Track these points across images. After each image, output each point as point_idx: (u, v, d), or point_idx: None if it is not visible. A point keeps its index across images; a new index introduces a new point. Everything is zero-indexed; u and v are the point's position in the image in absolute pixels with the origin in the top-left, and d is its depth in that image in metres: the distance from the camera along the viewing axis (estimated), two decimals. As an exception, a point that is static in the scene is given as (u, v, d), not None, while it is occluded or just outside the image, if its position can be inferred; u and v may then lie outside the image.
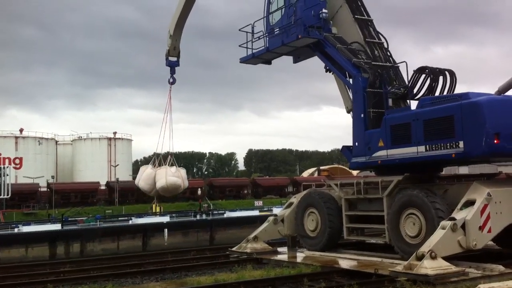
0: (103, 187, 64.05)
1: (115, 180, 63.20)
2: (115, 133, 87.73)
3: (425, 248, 11.14)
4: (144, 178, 18.95)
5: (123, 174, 76.73)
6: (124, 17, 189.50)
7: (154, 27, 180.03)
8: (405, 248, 12.72)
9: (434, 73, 14.14)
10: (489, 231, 11.77)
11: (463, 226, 11.47)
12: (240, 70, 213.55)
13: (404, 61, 15.19)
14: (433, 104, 13.09)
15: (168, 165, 20.37)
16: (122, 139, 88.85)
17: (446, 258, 11.17)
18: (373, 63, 15.32)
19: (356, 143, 15.20)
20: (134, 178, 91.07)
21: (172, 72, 20.61)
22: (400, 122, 13.70)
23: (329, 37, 16.14)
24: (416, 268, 10.73)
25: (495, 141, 11.81)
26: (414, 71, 14.53)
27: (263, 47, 17.92)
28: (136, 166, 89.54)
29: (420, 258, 10.93)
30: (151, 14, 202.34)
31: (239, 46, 18.47)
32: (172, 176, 18.81)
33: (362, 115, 14.97)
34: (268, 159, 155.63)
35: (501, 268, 11.28)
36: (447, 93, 14.08)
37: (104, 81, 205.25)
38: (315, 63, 17.60)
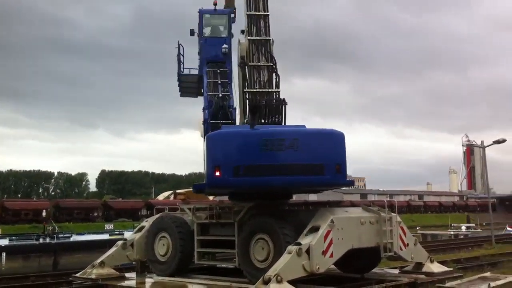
0: None
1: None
2: None
3: (271, 272, 11.39)
4: None
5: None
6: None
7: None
8: (253, 272, 12.92)
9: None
10: (331, 255, 12.39)
11: (308, 251, 11.93)
12: (99, 89, 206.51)
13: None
14: None
15: None
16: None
17: (291, 282, 11.52)
18: (246, 90, 15.32)
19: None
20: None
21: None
22: None
23: (209, 72, 16.34)
24: (263, 292, 10.96)
25: (217, 174, 12.61)
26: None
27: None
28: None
29: (267, 282, 11.16)
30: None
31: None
32: None
33: None
34: (122, 181, 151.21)
35: (340, 291, 11.91)
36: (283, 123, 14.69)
37: None
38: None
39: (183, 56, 17.29)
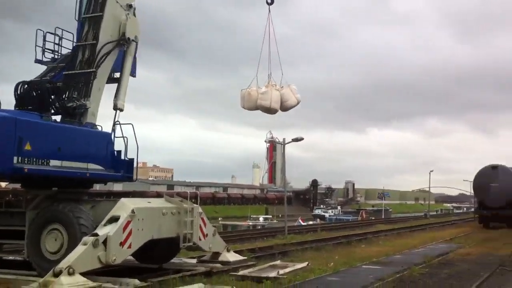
0: None
1: None
2: None
3: (63, 264, 10.87)
4: (276, 100, 18.77)
5: None
6: None
7: None
8: (44, 264, 12.14)
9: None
10: (130, 246, 12.23)
11: (105, 242, 11.59)
12: None
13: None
14: None
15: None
16: None
17: (86, 274, 11.12)
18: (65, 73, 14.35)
19: None
20: None
21: None
22: None
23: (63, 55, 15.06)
24: (52, 285, 10.40)
25: None
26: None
27: None
28: None
29: (57, 274, 10.62)
30: None
31: None
32: (297, 94, 19.42)
33: None
34: None
35: (136, 282, 11.76)
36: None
37: None
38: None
39: (57, 43, 15.40)
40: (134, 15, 15.64)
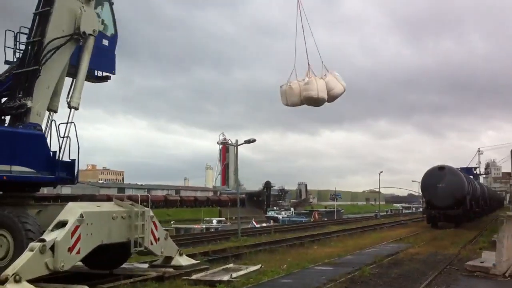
0: None
1: None
2: None
3: (9, 271, 10.54)
4: (322, 89, 17.81)
5: None
6: None
7: None
8: (-12, 272, 11.72)
9: None
10: (78, 252, 11.92)
11: (53, 248, 11.27)
12: None
13: None
14: None
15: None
16: None
17: (33, 281, 10.79)
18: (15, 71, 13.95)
19: None
20: None
21: None
22: None
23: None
24: (-2, 293, 10.07)
25: None
26: None
27: None
28: None
29: (3, 281, 10.31)
30: None
31: None
32: (342, 80, 18.48)
33: None
34: None
35: (85, 288, 11.51)
36: None
37: None
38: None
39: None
40: (112, 9, 15.49)
